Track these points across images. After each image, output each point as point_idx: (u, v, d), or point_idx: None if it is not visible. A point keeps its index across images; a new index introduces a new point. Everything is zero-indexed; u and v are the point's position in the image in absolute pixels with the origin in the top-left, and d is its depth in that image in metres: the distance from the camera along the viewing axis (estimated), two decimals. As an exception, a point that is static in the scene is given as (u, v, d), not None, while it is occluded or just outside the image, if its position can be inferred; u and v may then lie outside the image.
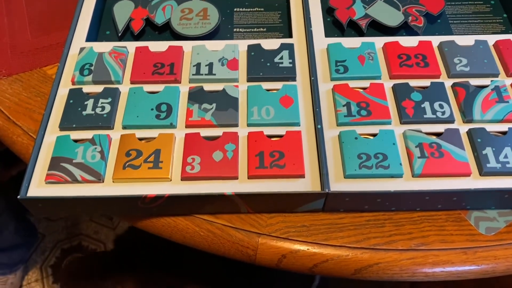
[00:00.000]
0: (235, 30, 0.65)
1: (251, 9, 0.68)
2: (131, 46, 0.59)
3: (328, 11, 0.66)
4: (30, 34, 0.67)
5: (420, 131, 0.50)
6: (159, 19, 0.64)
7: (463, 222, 0.49)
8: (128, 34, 0.64)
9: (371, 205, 0.49)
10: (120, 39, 0.63)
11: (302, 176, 0.48)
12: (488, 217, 0.49)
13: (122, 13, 0.65)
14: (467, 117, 0.51)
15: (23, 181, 0.47)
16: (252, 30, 0.66)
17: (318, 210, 0.50)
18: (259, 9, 0.68)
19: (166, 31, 0.65)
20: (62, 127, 0.52)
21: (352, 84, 0.55)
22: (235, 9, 0.68)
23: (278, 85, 0.55)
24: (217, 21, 0.63)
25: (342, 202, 0.48)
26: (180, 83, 0.56)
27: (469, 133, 0.50)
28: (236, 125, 0.52)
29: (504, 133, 0.51)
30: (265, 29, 0.66)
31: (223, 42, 0.59)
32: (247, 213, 0.50)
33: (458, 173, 0.48)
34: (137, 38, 0.64)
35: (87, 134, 0.51)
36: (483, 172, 0.48)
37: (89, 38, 0.61)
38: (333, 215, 0.50)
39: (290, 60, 0.57)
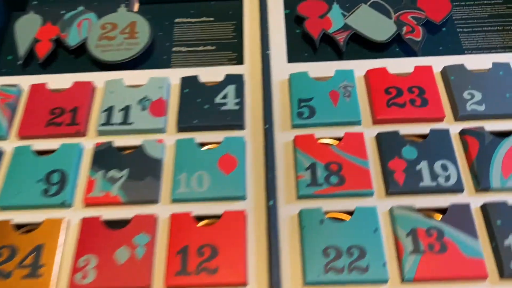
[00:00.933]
0: (174, 49, 0.50)
1: (197, 19, 0.52)
2: (27, 82, 0.44)
3: (296, 20, 0.50)
4: None
5: (414, 209, 0.35)
6: (72, 39, 0.48)
7: None
8: (35, 60, 0.49)
9: (343, 318, 0.35)
10: (24, 68, 0.48)
11: (244, 284, 0.33)
12: (512, 331, 0.34)
13: (26, 32, 0.49)
14: (481, 184, 0.36)
15: None
16: (197, 49, 0.50)
17: (270, 323, 0.35)
18: (208, 19, 0.52)
19: (83, 55, 0.49)
20: None
21: (321, 133, 0.39)
22: (176, 20, 0.52)
23: (219, 136, 0.40)
24: (146, 41, 0.47)
25: (302, 317, 0.34)
26: (85, 136, 0.41)
27: (485, 209, 0.35)
28: (155, 202, 0.37)
29: (535, 208, 0.35)
30: (214, 47, 0.50)
31: (149, 73, 0.44)
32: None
33: (468, 276, 0.33)
34: (44, 66, 0.48)
35: (-51, 220, 0.37)
36: (505, 274, 0.33)
37: (-23, 70, 0.46)
38: (292, 330, 0.35)
39: (237, 100, 0.41)
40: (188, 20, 0.52)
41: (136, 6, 0.52)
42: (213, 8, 0.53)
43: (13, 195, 0.37)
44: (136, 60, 0.47)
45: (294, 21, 0.50)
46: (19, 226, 0.37)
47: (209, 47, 0.50)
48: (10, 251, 0.35)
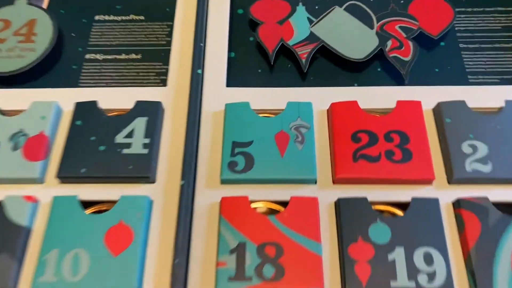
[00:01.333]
0: (87, 57, 0.38)
1: (124, 17, 0.40)
2: None
3: (251, 24, 0.38)
4: None
5: (380, 326, 0.24)
6: (-51, 40, 0.36)
7: None
8: None
9: None
10: None
11: None
12: None
13: None
14: (480, 286, 0.25)
15: None
16: (118, 57, 0.38)
17: None
18: (137, 17, 0.40)
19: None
20: None
21: (257, 193, 0.28)
22: (96, 17, 0.40)
23: (114, 194, 0.28)
24: (46, 47, 0.36)
25: None
26: None
27: (484, 330, 0.24)
28: (8, 294, 0.25)
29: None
30: (139, 56, 0.38)
31: (38, 93, 0.32)
32: None
33: None
34: None
35: None
36: None
37: None
38: None
39: (147, 140, 0.29)
40: (112, 18, 0.40)
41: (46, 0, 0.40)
42: (146, 4, 0.40)
43: None
44: (32, 72, 0.35)
45: (249, 25, 0.38)
46: None
47: (133, 55, 0.38)
48: None
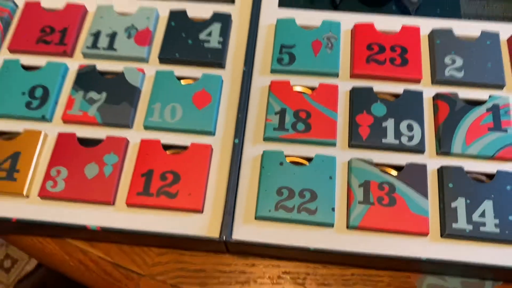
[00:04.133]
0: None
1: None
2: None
3: (297, -35, 0.49)
4: None
5: (371, 163, 0.36)
6: (72, -40, 0.48)
7: (410, 290, 0.37)
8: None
9: (289, 255, 0.37)
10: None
11: (199, 211, 0.35)
12: None
13: None
14: (443, 147, 0.37)
15: None
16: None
17: (221, 250, 0.38)
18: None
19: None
20: None
21: (297, 80, 0.40)
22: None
23: (198, 72, 0.41)
24: (143, -29, 0.47)
25: (250, 248, 0.36)
26: (71, 57, 0.42)
27: (440, 172, 0.36)
28: (128, 126, 0.39)
29: (490, 177, 0.36)
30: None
31: (139, 2, 0.44)
32: (130, 245, 0.38)
33: (410, 231, 0.34)
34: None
35: None
36: (446, 234, 0.34)
37: (-23, -19, 0.47)
38: (242, 260, 0.38)
39: (221, 39, 0.42)
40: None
41: None
42: None
43: (-2, 104, 0.39)
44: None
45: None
46: (0, 133, 0.39)
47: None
48: (-11, 154, 0.37)
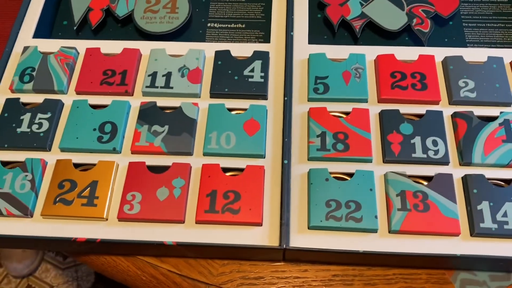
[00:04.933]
0: (209, 25, 0.56)
1: (231, 0, 0.59)
2: (83, 46, 0.51)
3: (319, 5, 0.56)
4: (-20, 20, 0.60)
5: (405, 175, 0.42)
6: (120, 10, 0.55)
7: (446, 285, 0.42)
8: (86, 26, 0.56)
9: (338, 259, 0.42)
10: (77, 32, 0.55)
11: (259, 224, 0.41)
12: (477, 281, 0.42)
13: (80, 1, 0.56)
14: (464, 159, 0.43)
15: None
16: (229, 26, 0.56)
17: (278, 259, 0.43)
18: (240, 0, 0.58)
19: (129, 24, 0.56)
20: (-7, 146, 0.45)
21: (332, 107, 0.46)
22: (211, -1, 0.58)
23: (245, 104, 0.47)
24: (186, 16, 0.54)
25: (304, 255, 0.41)
26: (132, 95, 0.48)
27: (465, 180, 0.42)
28: (190, 154, 0.44)
29: (508, 182, 0.42)
30: (243, 25, 0.56)
31: (188, 45, 0.51)
32: (196, 258, 0.43)
33: (444, 232, 0.40)
34: (95, 32, 0.55)
35: (20, 156, 0.45)
36: (475, 233, 0.40)
37: (39, 32, 0.53)
38: (295, 266, 0.43)
39: (262, 74, 0.48)
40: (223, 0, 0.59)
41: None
42: (245, -10, 0.59)
43: (73, 140, 0.45)
44: (176, 32, 0.53)
45: (317, 6, 0.56)
46: (76, 165, 0.44)
47: (239, 25, 0.57)
48: (71, 184, 0.42)
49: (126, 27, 0.56)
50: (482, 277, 0.42)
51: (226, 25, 0.56)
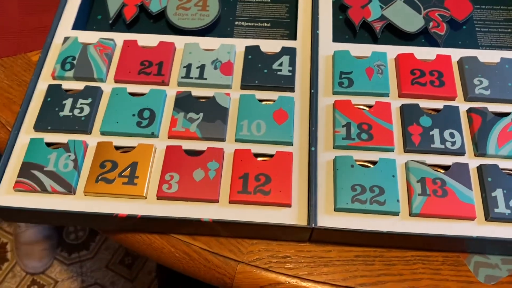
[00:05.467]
0: (236, 23, 0.60)
1: (257, 0, 0.62)
2: (119, 38, 0.54)
3: (341, 7, 0.59)
4: (18, 13, 0.63)
5: (425, 163, 0.45)
6: (154, 6, 0.58)
7: (461, 267, 0.45)
8: (120, 21, 0.59)
9: (361, 241, 0.45)
10: (111, 26, 0.59)
11: (288, 205, 0.44)
12: (490, 264, 0.45)
13: (115, -3, 0.59)
14: (479, 150, 0.46)
15: (-9, 186, 0.44)
16: (255, 24, 0.60)
17: (304, 240, 0.46)
18: (266, 0, 0.62)
19: (161, 20, 0.59)
20: (37, 128, 0.48)
21: (356, 100, 0.49)
22: (239, -1, 0.62)
23: (274, 95, 0.50)
24: (216, 14, 0.57)
25: (329, 235, 0.44)
26: (168, 85, 0.51)
27: (480, 169, 0.45)
28: (223, 140, 0.47)
29: (520, 172, 0.45)
30: (269, 24, 0.60)
31: (219, 40, 0.54)
32: (227, 237, 0.46)
33: (461, 216, 0.43)
34: (129, 27, 0.58)
35: (63, 138, 0.48)
36: (490, 217, 0.43)
37: (77, 25, 0.56)
38: (320, 247, 0.46)
39: (290, 68, 0.51)
40: (249, 0, 0.62)
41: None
42: (271, -9, 0.62)
43: (113, 124, 0.48)
44: (206, 29, 0.57)
45: (339, 8, 0.59)
46: (116, 148, 0.47)
47: (265, 24, 0.60)
48: (112, 164, 0.45)
49: (158, 22, 0.59)
50: (495, 261, 0.45)
51: (252, 24, 0.60)
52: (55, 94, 0.50)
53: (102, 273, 1.28)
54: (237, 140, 0.47)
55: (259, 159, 0.46)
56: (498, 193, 0.43)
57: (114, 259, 1.30)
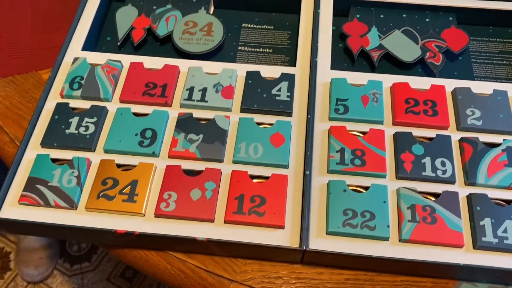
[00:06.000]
0: (239, 48, 0.62)
1: (260, 26, 0.64)
2: (126, 60, 0.57)
3: (340, 36, 0.62)
4: (31, 32, 0.66)
5: (416, 191, 0.47)
6: (161, 30, 0.61)
7: (449, 294, 0.46)
8: (128, 43, 0.62)
9: (352, 264, 0.46)
10: (120, 48, 0.61)
11: (282, 227, 0.45)
12: (478, 292, 0.46)
13: (124, 20, 0.62)
14: (469, 179, 0.47)
15: (-3, 199, 0.46)
16: (258, 50, 0.62)
17: (296, 261, 0.47)
18: (268, 27, 0.64)
19: (167, 44, 0.62)
20: (44, 144, 0.50)
21: (351, 126, 0.51)
22: (243, 25, 0.64)
23: (272, 119, 0.52)
24: (220, 39, 0.59)
25: (321, 258, 0.46)
26: (171, 106, 0.53)
27: (469, 198, 0.46)
28: (221, 161, 0.49)
29: (508, 202, 0.46)
30: (271, 50, 0.62)
31: (221, 64, 0.56)
32: (222, 256, 0.47)
33: (449, 243, 0.44)
34: (136, 48, 0.61)
35: (67, 155, 0.50)
36: (477, 246, 0.44)
37: (86, 46, 0.59)
38: (312, 269, 0.47)
39: (289, 93, 0.53)
40: (253, 26, 0.65)
41: (211, 9, 0.65)
42: (273, 19, 0.65)
43: (116, 143, 0.50)
44: (210, 53, 0.59)
45: (339, 37, 0.62)
46: (118, 166, 0.49)
47: (267, 50, 0.62)
48: (113, 182, 0.47)
49: (165, 46, 0.62)
50: (483, 288, 0.46)
51: (255, 49, 0.62)
52: (62, 112, 0.52)
53: (103, 286, 1.29)
54: (234, 162, 0.49)
55: (255, 180, 0.48)
56: (487, 222, 0.45)
57: (115, 272, 1.31)
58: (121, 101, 0.53)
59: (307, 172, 0.48)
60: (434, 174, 0.47)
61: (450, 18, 0.61)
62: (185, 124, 0.51)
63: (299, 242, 0.44)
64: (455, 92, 0.53)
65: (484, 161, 0.48)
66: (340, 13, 0.62)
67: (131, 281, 1.27)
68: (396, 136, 0.50)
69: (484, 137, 0.50)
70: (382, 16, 0.62)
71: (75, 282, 1.31)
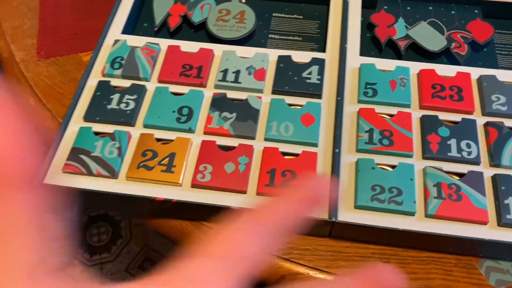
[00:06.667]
0: (270, 36, 0.64)
1: (290, 16, 0.67)
2: (164, 44, 0.60)
3: (368, 26, 0.64)
4: (72, 17, 0.69)
5: (442, 170, 0.48)
6: (196, 17, 0.64)
7: (473, 270, 0.47)
8: (164, 29, 0.65)
9: (378, 239, 0.48)
10: (156, 33, 0.64)
11: (311, 200, 0.47)
12: (501, 269, 0.47)
13: (161, 7, 0.65)
14: (494, 161, 0.49)
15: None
16: (287, 38, 0.64)
17: (324, 235, 0.49)
18: (298, 17, 0.67)
19: (201, 30, 0.65)
20: (86, 118, 0.53)
21: (379, 109, 0.53)
22: (273, 14, 0.67)
23: (302, 101, 0.54)
24: (252, 26, 0.62)
25: (348, 232, 0.47)
26: (205, 87, 0.56)
27: (494, 178, 0.48)
28: (253, 138, 0.51)
29: (532, 183, 0.48)
30: (300, 38, 0.64)
31: (254, 49, 0.59)
32: (252, 228, 0.50)
33: (474, 220, 0.45)
34: (172, 34, 0.64)
35: (109, 128, 0.52)
36: (502, 223, 0.45)
37: (125, 30, 0.62)
38: (338, 243, 0.49)
39: (319, 77, 0.55)
40: (283, 15, 0.67)
41: (244, -1, 0.67)
42: (303, 9, 0.67)
43: (155, 118, 0.52)
44: (242, 39, 0.62)
45: (366, 27, 0.64)
46: (156, 140, 0.52)
47: (296, 38, 0.65)
48: (152, 153, 0.50)
49: (199, 32, 0.65)
50: (506, 266, 0.47)
51: (285, 37, 0.65)
52: (104, 89, 0.55)
53: (120, 276, 1.32)
54: (266, 139, 0.51)
55: (285, 157, 0.50)
56: (511, 201, 0.46)
57: (133, 263, 1.34)
58: (159, 81, 0.56)
59: (337, 150, 0.50)
60: (459, 155, 0.49)
61: (476, 11, 0.63)
62: (220, 103, 0.53)
63: (328, 215, 0.46)
64: (480, 79, 0.55)
65: (509, 143, 0.50)
66: (368, 5, 0.64)
67: (149, 272, 1.30)
68: (423, 118, 0.52)
69: (509, 122, 0.52)
70: (408, 8, 0.64)
71: (94, 272, 1.34)
